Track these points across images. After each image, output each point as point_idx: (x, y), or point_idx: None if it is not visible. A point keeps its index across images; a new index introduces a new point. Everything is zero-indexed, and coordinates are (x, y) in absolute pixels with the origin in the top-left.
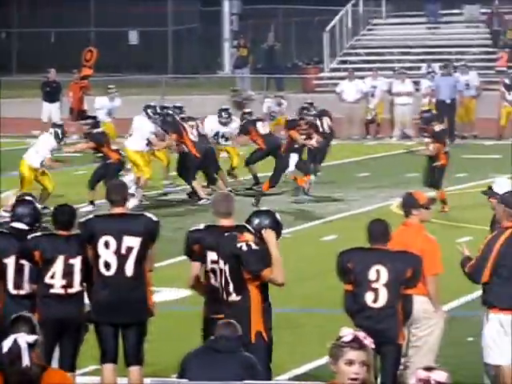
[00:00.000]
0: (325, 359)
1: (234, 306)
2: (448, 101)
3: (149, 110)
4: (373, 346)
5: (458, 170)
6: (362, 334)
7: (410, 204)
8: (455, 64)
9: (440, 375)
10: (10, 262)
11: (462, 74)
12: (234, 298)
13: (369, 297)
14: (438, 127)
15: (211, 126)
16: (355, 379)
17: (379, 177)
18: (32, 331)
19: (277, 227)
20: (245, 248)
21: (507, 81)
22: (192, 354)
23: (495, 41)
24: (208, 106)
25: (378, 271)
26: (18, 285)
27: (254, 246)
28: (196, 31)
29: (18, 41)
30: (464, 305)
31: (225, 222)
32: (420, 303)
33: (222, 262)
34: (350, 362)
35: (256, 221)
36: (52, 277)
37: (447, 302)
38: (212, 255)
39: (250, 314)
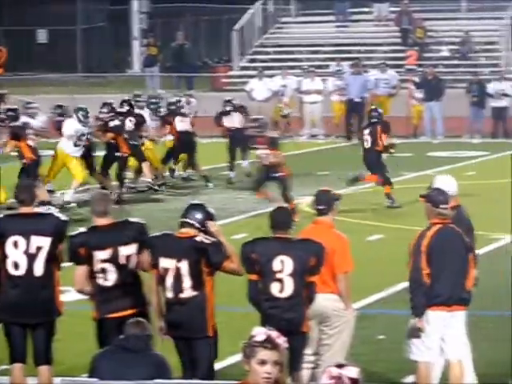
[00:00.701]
0: (236, 357)
1: (190, 302)
2: (357, 99)
3: (79, 113)
4: (286, 345)
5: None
6: (274, 334)
7: (325, 202)
8: (371, 63)
9: (351, 371)
10: None
11: (382, 73)
12: (189, 293)
13: (274, 287)
14: (272, 134)
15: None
16: (268, 378)
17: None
18: None
19: (213, 219)
20: (206, 241)
21: (416, 79)
22: (102, 353)
23: (405, 39)
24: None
25: (282, 261)
26: None
27: (210, 239)
28: (105, 30)
29: None
30: (374, 302)
31: (102, 222)
32: (330, 301)
33: (174, 261)
34: (263, 362)
35: (198, 214)
36: None
37: (358, 300)
38: (100, 255)
39: (207, 308)
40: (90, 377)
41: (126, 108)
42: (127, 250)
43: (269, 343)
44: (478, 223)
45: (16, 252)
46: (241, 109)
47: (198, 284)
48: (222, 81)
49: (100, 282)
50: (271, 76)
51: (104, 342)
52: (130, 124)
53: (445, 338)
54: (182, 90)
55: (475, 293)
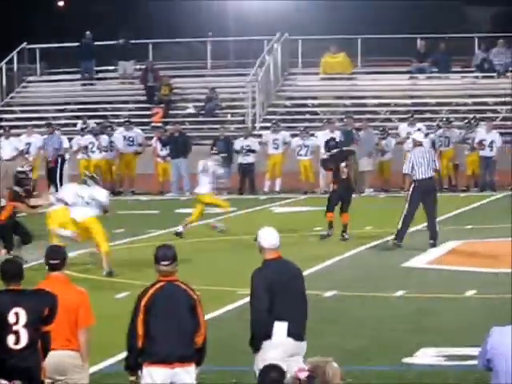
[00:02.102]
0: None
1: None
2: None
3: None
4: None
5: (116, 225)
6: None
7: (59, 256)
8: (118, 120)
9: None
10: None
11: (127, 130)
12: None
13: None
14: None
15: None
16: None
17: None
18: None
19: None
20: None
21: (162, 136)
22: None
23: (150, 97)
24: None
25: (16, 313)
26: None
27: None
28: None
29: None
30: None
31: None
32: (69, 357)
33: None
34: None
35: None
36: None
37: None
38: None
39: None
40: None
41: None
42: None
43: None
44: (226, 279)
45: None
46: None
47: None
48: None
49: None
50: (18, 135)
51: None
52: None
53: None
54: None
55: None
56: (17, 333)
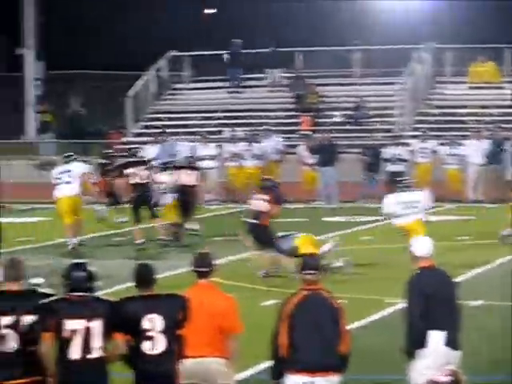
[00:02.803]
0: None
1: (97, 361)
2: None
3: None
4: None
5: None
6: None
7: (207, 264)
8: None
9: None
10: None
11: (267, 139)
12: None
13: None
14: None
15: None
16: None
17: None
18: None
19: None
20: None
21: (310, 144)
22: None
23: (298, 105)
24: (14, 170)
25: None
26: None
27: None
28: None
29: None
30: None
31: (13, 287)
32: (216, 364)
33: (83, 322)
34: None
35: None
36: None
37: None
38: (2, 320)
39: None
40: None
41: None
42: (29, 319)
43: None
44: (373, 287)
45: None
46: None
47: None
48: (116, 147)
49: (2, 346)
50: (166, 141)
51: None
52: None
53: None
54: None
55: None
56: (153, 338)
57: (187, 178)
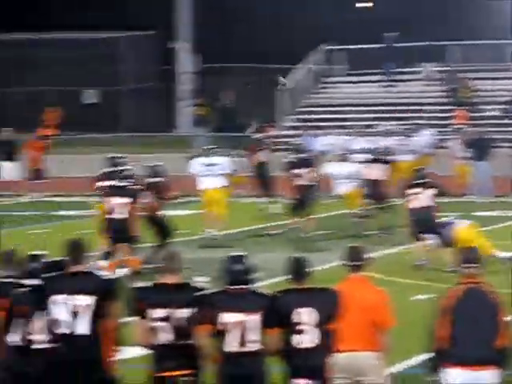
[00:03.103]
0: None
1: (254, 355)
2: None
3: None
4: None
5: None
6: None
7: (359, 258)
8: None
9: None
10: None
11: (419, 133)
12: (252, 347)
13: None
14: None
15: None
16: None
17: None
18: None
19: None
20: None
21: (465, 138)
22: None
23: (452, 98)
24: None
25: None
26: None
27: None
28: (153, 90)
29: None
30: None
31: (170, 280)
32: (368, 358)
33: (240, 315)
34: None
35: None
36: (32, 332)
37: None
38: (157, 312)
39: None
40: None
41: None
42: (184, 312)
43: None
44: None
45: (61, 311)
46: None
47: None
48: (270, 140)
49: (156, 338)
50: (318, 135)
51: None
52: None
53: None
54: (229, 149)
55: None
56: (304, 332)
57: (376, 172)
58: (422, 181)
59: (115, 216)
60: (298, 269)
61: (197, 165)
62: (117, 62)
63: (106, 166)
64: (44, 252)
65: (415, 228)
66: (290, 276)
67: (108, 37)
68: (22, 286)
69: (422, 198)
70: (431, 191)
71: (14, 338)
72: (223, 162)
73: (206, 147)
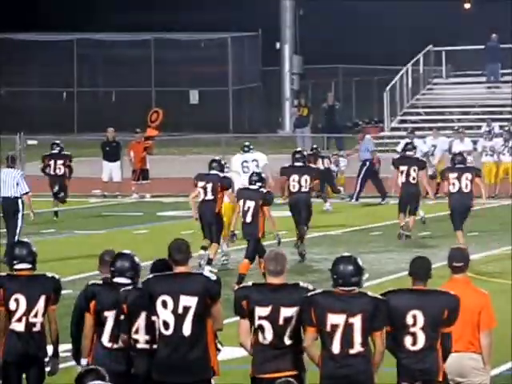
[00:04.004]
0: None
1: (359, 357)
2: None
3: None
4: None
5: None
6: None
7: (463, 259)
8: None
9: None
10: (110, 315)
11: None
12: (357, 349)
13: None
14: None
15: None
16: None
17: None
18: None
19: None
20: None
21: None
22: None
23: None
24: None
25: (414, 315)
26: (113, 338)
27: None
28: (257, 90)
29: (79, 100)
30: None
31: (273, 280)
32: (471, 360)
33: (346, 317)
34: None
35: None
36: (136, 331)
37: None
38: (260, 311)
39: (370, 363)
40: None
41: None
42: (288, 312)
43: None
44: None
45: (165, 312)
46: None
47: (367, 340)
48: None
49: (259, 339)
50: (422, 137)
51: None
52: None
53: None
54: (331, 150)
55: None
56: (415, 334)
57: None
58: None
59: (246, 219)
60: (417, 268)
61: (239, 161)
62: (224, 62)
63: (209, 168)
64: (131, 252)
65: None
66: (412, 275)
67: (217, 37)
68: (119, 285)
69: None
70: None
71: (105, 338)
72: (259, 159)
73: (245, 143)
